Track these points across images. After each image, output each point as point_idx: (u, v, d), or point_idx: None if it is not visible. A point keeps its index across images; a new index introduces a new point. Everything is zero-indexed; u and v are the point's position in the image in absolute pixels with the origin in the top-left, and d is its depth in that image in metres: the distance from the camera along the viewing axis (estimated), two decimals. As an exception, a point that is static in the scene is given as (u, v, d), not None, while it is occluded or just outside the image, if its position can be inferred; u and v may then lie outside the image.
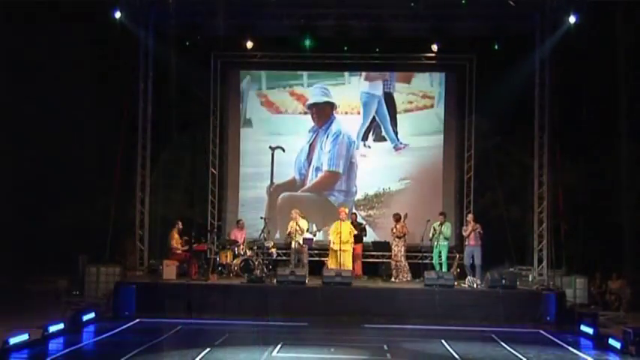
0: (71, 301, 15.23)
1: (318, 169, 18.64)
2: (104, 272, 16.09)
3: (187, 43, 17.34)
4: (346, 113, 18.65)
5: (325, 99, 18.67)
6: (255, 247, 16.33)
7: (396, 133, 18.54)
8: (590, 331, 13.27)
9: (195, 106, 18.22)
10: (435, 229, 16.15)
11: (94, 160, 17.68)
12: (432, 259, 16.39)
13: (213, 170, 18.53)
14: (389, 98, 18.64)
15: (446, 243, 16.25)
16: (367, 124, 18.59)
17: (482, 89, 17.74)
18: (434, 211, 16.77)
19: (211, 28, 17.22)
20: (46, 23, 16.71)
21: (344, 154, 18.62)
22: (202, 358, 11.09)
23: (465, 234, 16.15)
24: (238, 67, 18.83)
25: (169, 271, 15.46)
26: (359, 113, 18.61)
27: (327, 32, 17.31)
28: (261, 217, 16.73)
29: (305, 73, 18.66)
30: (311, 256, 16.78)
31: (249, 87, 18.87)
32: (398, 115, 18.59)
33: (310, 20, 17.00)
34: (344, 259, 16.05)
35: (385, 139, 18.58)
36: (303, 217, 16.46)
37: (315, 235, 16.52)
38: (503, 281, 14.82)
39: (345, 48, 17.97)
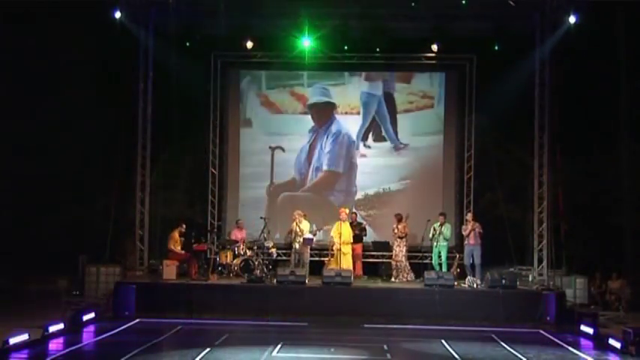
0: (71, 301, 15.21)
1: (318, 169, 18.64)
2: (104, 272, 16.10)
3: (187, 44, 17.32)
4: (346, 113, 18.65)
5: (325, 99, 18.67)
6: (255, 247, 16.32)
7: (396, 133, 18.54)
8: (590, 331, 13.27)
9: (195, 106, 18.20)
10: (435, 230, 16.15)
11: (94, 160, 17.68)
12: (431, 259, 16.39)
13: (213, 170, 18.53)
14: (389, 98, 18.64)
15: (445, 243, 16.24)
16: (367, 124, 18.59)
17: (482, 89, 17.73)
18: (434, 211, 16.76)
19: (211, 28, 17.24)
20: (46, 23, 16.71)
21: (344, 154, 18.62)
22: (202, 358, 11.09)
23: (464, 233, 16.15)
24: (238, 67, 18.81)
25: (169, 271, 15.47)
26: (359, 113, 18.61)
27: (327, 32, 17.28)
28: (261, 217, 16.72)
29: (305, 73, 18.64)
30: (311, 256, 16.77)
31: (249, 87, 18.86)
32: (398, 115, 18.59)
33: (310, 20, 16.99)
34: (344, 260, 16.07)
35: (385, 139, 18.57)
36: (305, 219, 16.45)
37: (315, 235, 16.52)
38: (503, 281, 14.82)
39: (345, 48, 17.96)
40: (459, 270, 16.17)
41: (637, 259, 17.14)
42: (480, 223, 16.01)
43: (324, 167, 18.60)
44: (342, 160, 18.63)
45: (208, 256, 16.82)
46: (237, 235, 16.94)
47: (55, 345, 11.93)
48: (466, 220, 16.42)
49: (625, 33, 16.89)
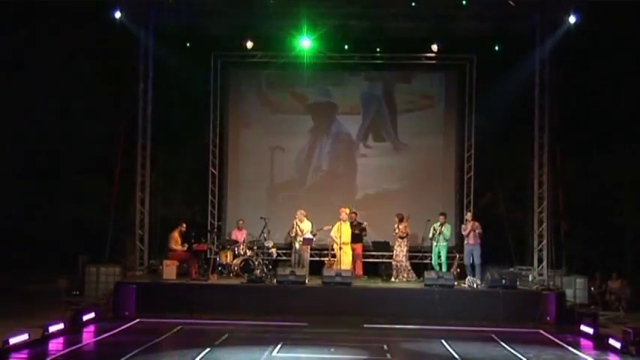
0: (71, 301, 15.21)
1: (318, 169, 18.64)
2: (104, 272, 16.07)
3: (187, 44, 17.31)
4: (346, 113, 18.65)
5: (325, 99, 18.66)
6: (255, 247, 16.32)
7: (396, 133, 18.54)
8: (590, 331, 13.26)
9: (195, 106, 18.20)
10: (434, 230, 16.15)
11: (94, 160, 17.68)
12: (431, 259, 16.39)
13: (213, 170, 18.52)
14: (389, 98, 18.64)
15: (445, 243, 16.24)
16: (367, 124, 18.59)
17: (483, 89, 17.73)
18: (434, 211, 16.74)
19: (211, 28, 17.24)
20: (46, 23, 16.73)
21: (344, 154, 18.62)
22: (202, 358, 11.08)
23: (464, 233, 16.15)
24: (238, 67, 18.80)
25: (169, 271, 15.47)
26: (359, 113, 18.61)
27: (327, 32, 17.28)
28: (261, 217, 16.71)
29: (305, 73, 18.59)
30: (311, 256, 16.77)
31: (249, 87, 18.86)
32: (398, 115, 18.59)
33: (310, 20, 16.99)
34: (344, 260, 16.07)
35: (385, 139, 18.57)
36: (307, 219, 16.45)
37: (315, 235, 16.52)
38: (503, 281, 14.82)
39: (345, 48, 17.96)
40: (458, 270, 16.17)
41: (637, 259, 17.15)
42: (480, 223, 16.01)
43: (324, 167, 18.61)
44: (342, 160, 18.64)
45: (208, 256, 16.82)
46: (237, 235, 16.95)
47: (55, 345, 11.92)
48: (466, 220, 16.42)
49: (625, 33, 16.87)
